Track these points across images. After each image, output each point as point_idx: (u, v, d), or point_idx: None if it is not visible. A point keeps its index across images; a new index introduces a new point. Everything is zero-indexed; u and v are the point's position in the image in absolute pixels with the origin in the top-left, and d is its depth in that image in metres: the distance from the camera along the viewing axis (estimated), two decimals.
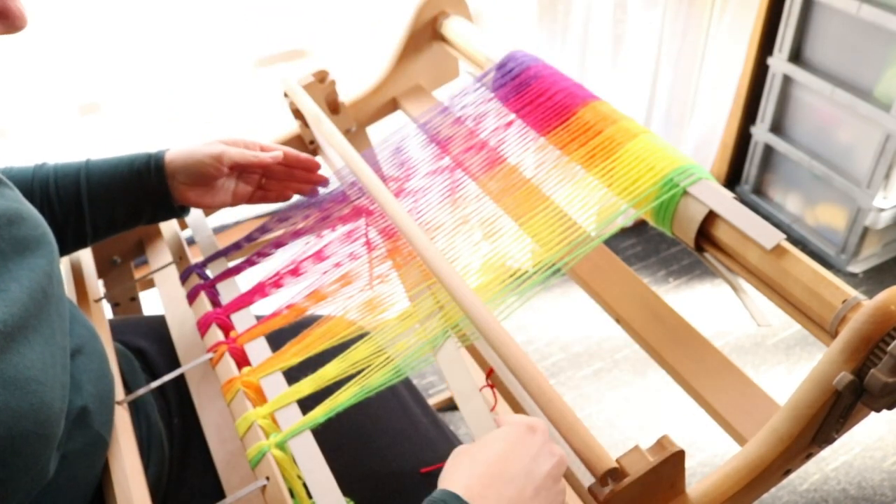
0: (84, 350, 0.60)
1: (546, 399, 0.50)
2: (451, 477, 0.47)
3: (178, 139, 1.28)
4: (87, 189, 0.73)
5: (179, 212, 0.79)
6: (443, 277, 0.60)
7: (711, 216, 0.60)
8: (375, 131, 0.97)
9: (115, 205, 0.74)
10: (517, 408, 0.65)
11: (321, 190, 0.86)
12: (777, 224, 1.89)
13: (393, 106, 0.99)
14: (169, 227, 0.88)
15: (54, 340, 0.52)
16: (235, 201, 0.80)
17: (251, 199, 0.82)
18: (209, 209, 0.87)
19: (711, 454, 1.39)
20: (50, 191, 0.72)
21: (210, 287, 0.78)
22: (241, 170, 0.79)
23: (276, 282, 0.77)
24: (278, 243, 0.82)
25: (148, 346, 0.78)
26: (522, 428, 0.51)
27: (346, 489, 0.58)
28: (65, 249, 0.75)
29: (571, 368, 1.58)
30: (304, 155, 0.83)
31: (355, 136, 0.97)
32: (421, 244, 0.63)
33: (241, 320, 0.74)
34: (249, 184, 0.81)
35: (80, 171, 0.73)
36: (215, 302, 0.76)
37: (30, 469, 0.47)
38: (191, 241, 0.88)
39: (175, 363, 0.74)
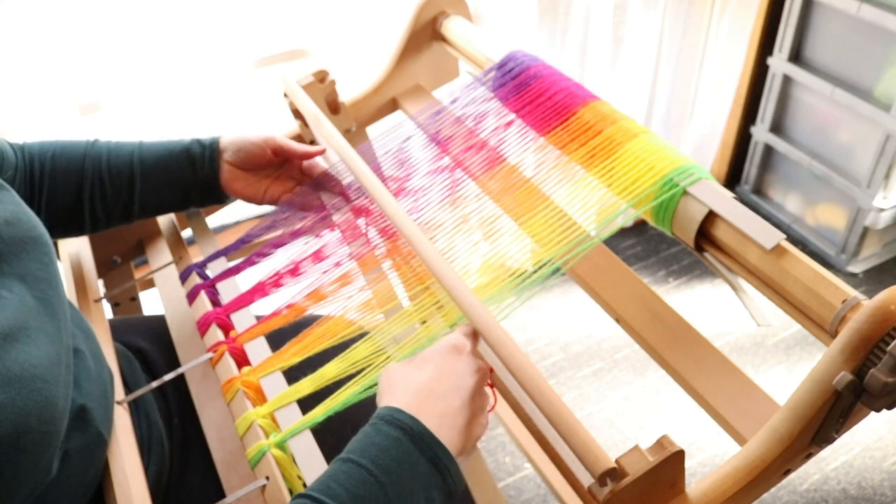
0: (80, 349, 0.60)
1: (545, 399, 0.50)
2: (391, 396, 0.52)
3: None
4: (140, 172, 0.75)
5: (225, 199, 0.82)
6: (441, 277, 0.60)
7: (711, 216, 0.60)
8: (375, 131, 0.97)
9: (166, 189, 0.77)
10: (517, 407, 0.65)
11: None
12: (777, 224, 1.90)
13: (393, 106, 0.99)
14: (169, 227, 0.88)
15: (59, 339, 0.52)
16: (265, 200, 0.83)
17: (278, 202, 0.84)
18: (248, 201, 0.88)
19: (711, 454, 1.39)
20: (102, 168, 0.74)
21: (210, 287, 0.78)
22: (283, 159, 0.82)
23: (275, 282, 0.77)
24: (278, 243, 0.82)
25: (148, 346, 0.78)
26: (448, 348, 0.56)
27: None
28: (110, 223, 0.78)
29: (571, 368, 1.58)
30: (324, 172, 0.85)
31: (355, 136, 0.97)
32: (420, 244, 0.63)
33: (241, 320, 0.74)
34: (282, 186, 0.83)
35: (134, 154, 0.75)
36: (215, 302, 0.76)
37: (35, 466, 0.47)
38: (191, 241, 0.88)
39: (175, 363, 0.74)
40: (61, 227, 0.75)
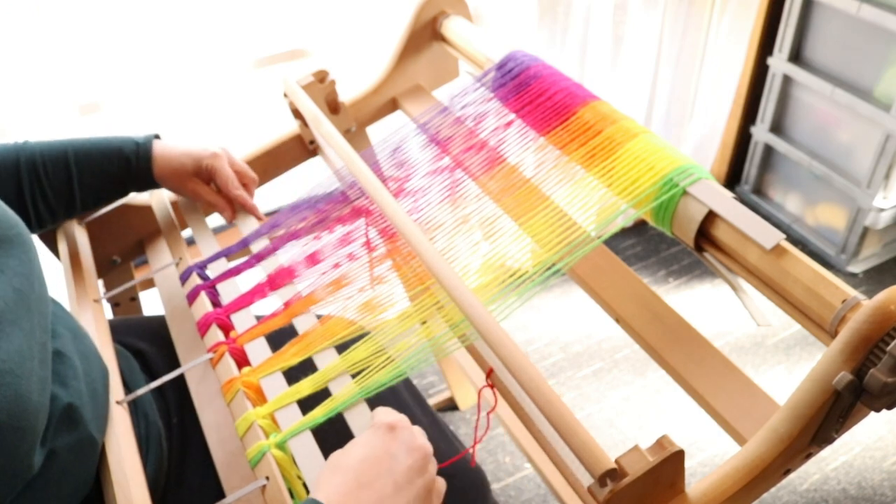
0: (66, 349, 0.60)
1: (544, 400, 0.50)
2: (319, 486, 0.50)
3: (178, 139, 1.28)
4: (76, 172, 0.77)
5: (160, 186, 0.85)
6: (441, 278, 0.60)
7: (711, 216, 0.60)
8: (375, 131, 0.97)
9: (104, 187, 0.79)
10: (517, 407, 0.65)
11: (320, 189, 0.86)
12: (777, 224, 1.90)
13: (393, 106, 0.99)
14: (169, 227, 0.88)
15: (34, 336, 0.53)
16: (190, 197, 0.85)
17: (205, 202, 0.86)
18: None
19: (711, 454, 1.39)
20: (39, 172, 0.75)
21: (210, 287, 0.78)
22: (208, 178, 0.84)
23: (276, 282, 0.77)
24: (278, 244, 0.82)
25: (147, 348, 0.78)
26: (382, 429, 0.54)
27: None
28: (56, 219, 0.80)
29: (571, 368, 1.58)
30: (250, 203, 0.86)
31: (355, 136, 0.97)
32: (419, 245, 0.63)
33: (241, 320, 0.74)
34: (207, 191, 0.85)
35: (68, 151, 0.77)
36: (215, 302, 0.76)
37: (9, 461, 0.47)
38: (191, 242, 0.88)
39: (175, 363, 0.74)
40: None
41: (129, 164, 0.79)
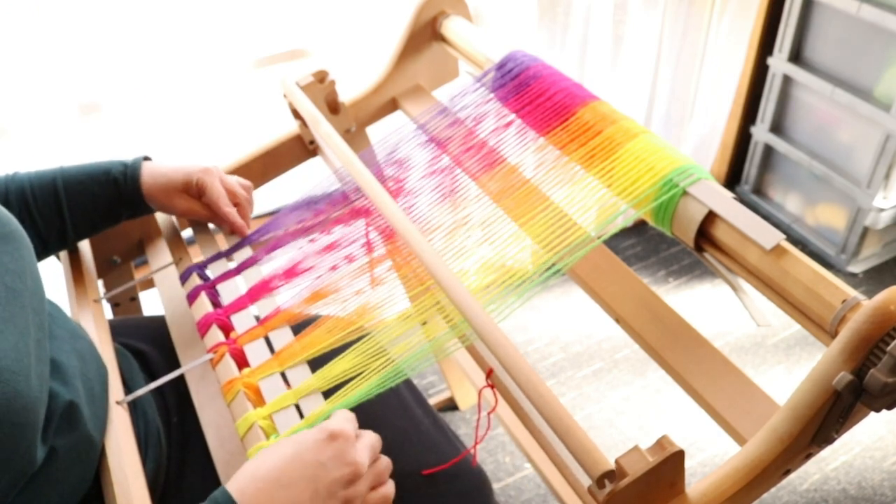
0: (63, 349, 0.60)
1: (542, 401, 0.50)
2: (238, 475, 0.51)
3: (178, 139, 1.28)
4: (66, 199, 0.75)
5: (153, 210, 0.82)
6: (440, 279, 0.60)
7: (711, 216, 0.60)
8: (375, 131, 0.97)
9: (95, 212, 0.77)
10: (517, 407, 0.65)
11: (320, 190, 0.86)
12: (777, 224, 1.90)
13: (393, 106, 0.99)
14: (169, 227, 0.88)
15: (28, 332, 0.53)
16: (186, 215, 0.83)
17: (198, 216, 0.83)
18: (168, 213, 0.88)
19: (711, 454, 1.39)
20: (28, 201, 0.74)
21: (210, 288, 0.78)
22: (199, 194, 0.81)
23: (276, 282, 0.77)
24: (278, 244, 0.82)
25: (148, 348, 0.78)
26: (322, 434, 0.53)
27: None
28: (49, 251, 0.78)
29: (571, 368, 1.58)
30: (239, 223, 0.83)
31: (355, 136, 0.97)
32: (418, 245, 0.63)
33: (242, 321, 0.74)
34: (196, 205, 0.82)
35: (57, 182, 0.75)
36: (215, 303, 0.76)
37: (10, 457, 0.47)
38: (191, 242, 0.88)
39: (175, 364, 0.74)
40: None
41: (118, 185, 0.76)
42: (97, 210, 0.77)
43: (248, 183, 0.86)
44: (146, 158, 0.80)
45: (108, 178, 0.76)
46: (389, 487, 0.59)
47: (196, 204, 0.81)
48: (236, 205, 0.83)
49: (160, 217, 0.89)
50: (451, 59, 0.99)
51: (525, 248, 0.67)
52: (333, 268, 0.77)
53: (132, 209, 0.80)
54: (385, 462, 0.60)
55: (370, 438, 0.58)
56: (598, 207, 0.66)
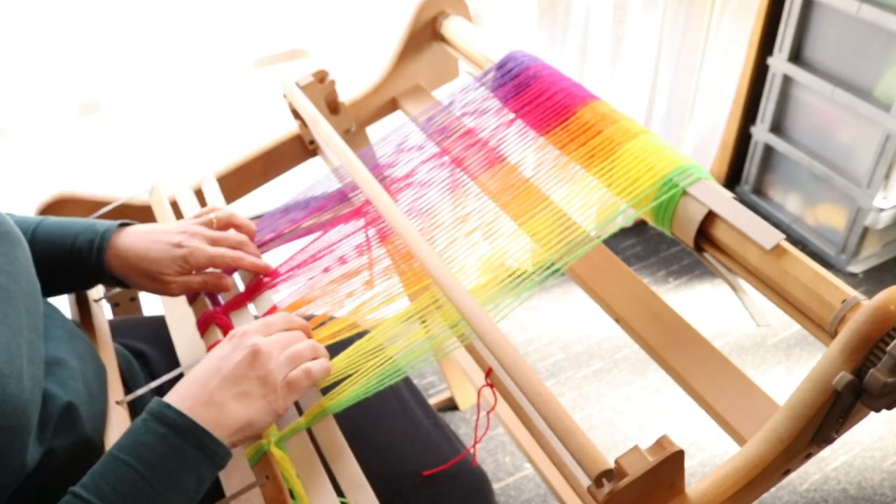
0: (61, 350, 0.60)
1: (541, 401, 0.50)
2: (176, 387, 0.56)
3: (178, 139, 1.28)
4: (35, 251, 0.64)
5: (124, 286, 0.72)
6: (438, 278, 0.60)
7: (711, 216, 0.60)
8: (375, 131, 0.97)
9: (54, 273, 0.68)
10: (517, 407, 0.65)
11: (320, 189, 0.86)
12: (777, 224, 1.90)
13: (393, 106, 0.99)
14: None
15: (21, 334, 0.53)
16: (179, 293, 0.71)
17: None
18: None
19: (711, 454, 1.39)
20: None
21: None
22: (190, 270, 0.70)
23: (275, 281, 0.77)
24: (277, 243, 0.82)
25: (148, 348, 0.78)
26: (230, 339, 0.59)
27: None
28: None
29: (571, 368, 1.58)
30: (262, 265, 0.74)
31: (355, 136, 0.97)
32: (417, 245, 0.63)
33: (241, 320, 0.73)
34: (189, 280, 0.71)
35: (36, 231, 0.68)
36: (215, 301, 0.76)
37: (1, 459, 0.47)
38: None
39: (175, 364, 0.74)
40: None
41: (80, 254, 0.67)
42: (55, 272, 0.67)
43: (246, 226, 0.75)
44: (123, 224, 0.69)
45: (74, 242, 0.67)
46: (316, 363, 0.61)
47: (193, 279, 0.70)
48: (240, 246, 0.73)
49: (160, 217, 0.89)
50: (451, 59, 0.99)
51: (524, 247, 0.67)
52: (331, 267, 0.77)
53: (98, 281, 0.70)
54: (300, 338, 0.62)
55: (275, 318, 0.63)
56: (597, 207, 0.66)
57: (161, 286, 0.69)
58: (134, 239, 0.68)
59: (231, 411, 0.55)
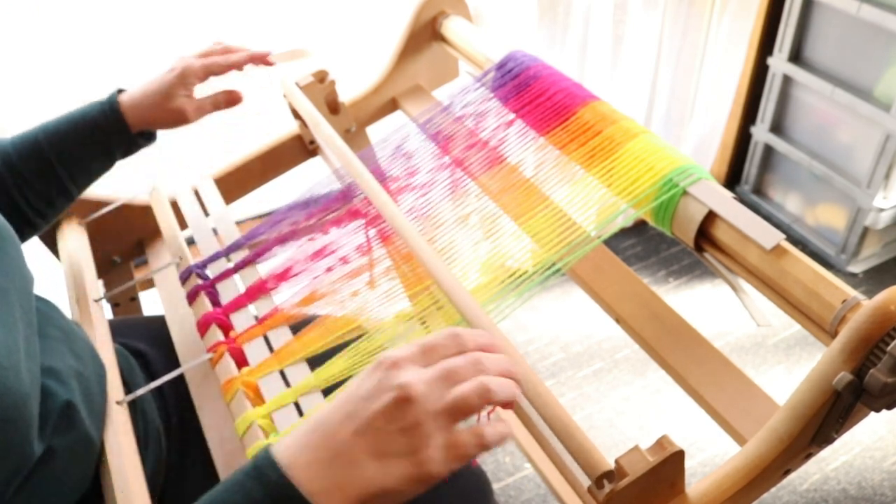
0: (58, 349, 0.60)
1: (541, 401, 0.50)
2: (292, 434, 0.44)
3: (177, 139, 1.28)
4: (54, 156, 0.74)
5: (151, 138, 0.81)
6: (439, 279, 0.60)
7: (711, 216, 0.60)
8: (375, 131, 0.98)
9: (86, 159, 0.76)
10: (517, 407, 0.65)
11: (320, 189, 0.86)
12: (777, 224, 1.90)
13: (393, 106, 0.99)
14: (169, 226, 0.88)
15: (17, 329, 0.53)
16: (197, 117, 0.81)
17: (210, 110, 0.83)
18: (168, 127, 0.84)
19: (711, 454, 1.39)
20: (16, 165, 0.73)
21: (210, 287, 0.78)
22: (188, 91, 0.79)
23: (275, 282, 0.77)
24: (278, 243, 0.82)
25: (147, 348, 0.78)
26: (373, 368, 0.44)
27: None
28: (56, 209, 0.77)
29: (571, 368, 1.58)
30: (257, 53, 0.85)
31: (355, 136, 0.97)
32: (417, 245, 0.63)
33: (241, 320, 0.74)
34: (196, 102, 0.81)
35: (41, 141, 0.74)
36: (215, 302, 0.76)
37: (3, 453, 0.47)
38: (191, 242, 0.88)
39: (175, 364, 0.74)
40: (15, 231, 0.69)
41: (97, 125, 0.75)
42: (87, 154, 0.76)
43: (229, 44, 0.84)
44: (120, 91, 0.78)
45: (87, 120, 0.75)
46: (490, 429, 0.44)
47: (190, 101, 0.79)
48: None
49: (160, 217, 0.89)
50: (451, 59, 0.99)
51: (525, 247, 0.67)
52: (332, 267, 0.77)
53: (124, 144, 0.78)
54: (475, 367, 0.45)
55: (439, 339, 0.45)
56: (597, 207, 0.66)
57: (177, 115, 0.78)
58: (134, 88, 0.78)
59: (364, 471, 0.41)
